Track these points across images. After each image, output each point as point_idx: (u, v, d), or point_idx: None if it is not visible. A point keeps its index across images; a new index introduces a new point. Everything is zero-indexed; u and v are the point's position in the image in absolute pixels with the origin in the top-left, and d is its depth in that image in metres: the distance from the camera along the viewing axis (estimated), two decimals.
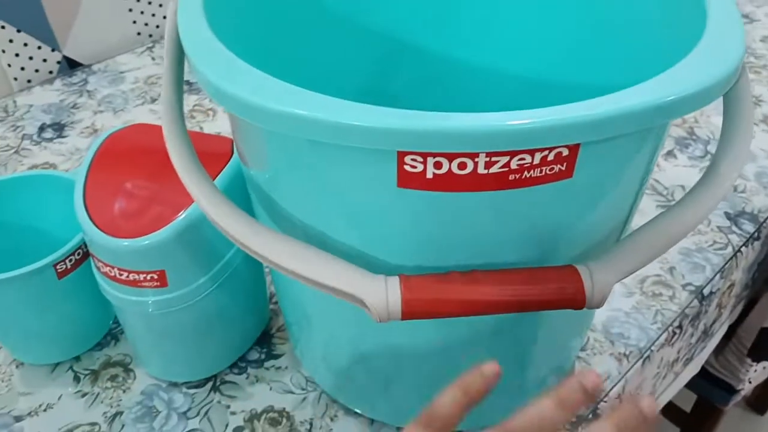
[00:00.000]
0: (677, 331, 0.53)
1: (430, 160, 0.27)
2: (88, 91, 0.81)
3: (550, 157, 0.27)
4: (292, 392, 0.48)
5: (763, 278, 0.72)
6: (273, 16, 0.43)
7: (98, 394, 0.48)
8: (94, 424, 0.46)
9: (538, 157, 0.27)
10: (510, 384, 0.42)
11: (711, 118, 0.73)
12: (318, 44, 0.47)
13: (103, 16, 0.85)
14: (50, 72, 0.84)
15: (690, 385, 0.75)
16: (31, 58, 0.81)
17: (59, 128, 0.74)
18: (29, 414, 0.47)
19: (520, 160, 0.27)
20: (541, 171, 0.28)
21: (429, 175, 0.27)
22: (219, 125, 0.75)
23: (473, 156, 0.27)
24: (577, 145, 0.27)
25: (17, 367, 0.50)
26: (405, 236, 0.31)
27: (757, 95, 0.76)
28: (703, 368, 0.72)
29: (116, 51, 0.87)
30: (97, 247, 0.41)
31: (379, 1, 0.47)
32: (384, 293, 0.30)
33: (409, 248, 0.32)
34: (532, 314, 0.36)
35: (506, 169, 0.27)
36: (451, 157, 0.27)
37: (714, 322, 0.64)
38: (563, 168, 0.28)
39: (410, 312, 0.30)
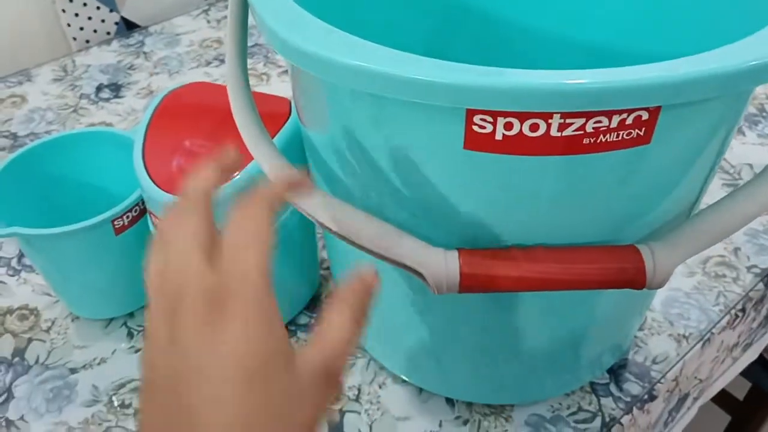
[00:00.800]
0: (740, 314, 0.51)
1: (501, 120, 0.25)
2: (144, 53, 0.81)
3: (629, 121, 0.26)
4: None
5: None
6: None
7: None
8: None
9: (616, 120, 0.25)
10: (565, 360, 0.41)
11: None
12: (377, 5, 0.46)
13: None
14: (108, 33, 0.84)
15: (745, 372, 0.72)
16: (89, 18, 0.82)
17: (116, 89, 0.75)
18: (83, 367, 0.48)
19: (596, 122, 0.25)
20: (618, 135, 0.26)
21: (498, 137, 0.26)
22: (273, 89, 0.74)
23: (547, 117, 0.25)
24: (658, 109, 0.26)
25: (73, 320, 0.51)
26: (468, 204, 0.30)
27: None
28: (760, 355, 0.69)
29: (172, 13, 0.88)
30: (155, 204, 0.41)
31: None
32: (443, 267, 0.30)
33: (471, 218, 0.31)
34: (591, 292, 0.35)
35: (581, 132, 0.26)
36: (523, 118, 0.25)
37: None
38: (641, 133, 0.26)
39: (468, 286, 0.30)
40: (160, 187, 0.40)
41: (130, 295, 0.50)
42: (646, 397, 0.45)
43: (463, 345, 0.40)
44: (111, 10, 0.83)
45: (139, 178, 0.41)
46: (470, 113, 0.26)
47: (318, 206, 0.33)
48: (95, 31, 0.83)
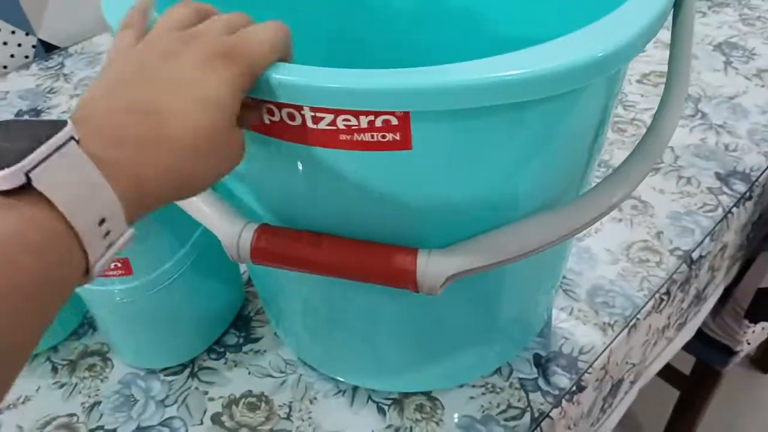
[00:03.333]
0: (665, 297, 0.52)
1: (263, 106, 0.27)
2: (64, 75, 0.79)
3: (378, 123, 0.27)
4: (271, 376, 0.47)
5: (759, 238, 0.70)
6: None
7: (76, 384, 0.48)
8: (72, 415, 0.46)
9: (364, 120, 0.27)
10: (475, 341, 0.42)
11: (702, 75, 0.71)
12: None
13: None
14: (26, 56, 0.82)
15: (688, 348, 0.74)
16: (5, 43, 0.80)
17: (35, 114, 0.73)
18: (7, 407, 0.46)
19: (345, 120, 0.27)
20: (372, 136, 0.27)
21: (266, 121, 0.28)
22: None
23: (298, 108, 0.27)
24: (406, 115, 0.26)
25: None
26: (266, 186, 0.33)
27: (750, 48, 0.74)
28: (700, 331, 0.70)
29: (92, 32, 0.86)
30: None
31: None
32: (236, 237, 0.33)
33: (271, 200, 0.34)
34: (483, 276, 0.35)
35: (333, 127, 0.27)
36: (280, 106, 0.27)
37: (707, 285, 0.63)
38: (397, 138, 0.27)
39: (257, 258, 0.33)
40: None
41: (49, 330, 0.49)
42: (574, 388, 0.46)
43: (382, 334, 0.41)
44: (27, 34, 0.81)
45: None
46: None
47: None
48: (12, 56, 0.81)
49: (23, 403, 0.47)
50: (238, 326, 0.51)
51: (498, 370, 0.47)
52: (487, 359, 0.45)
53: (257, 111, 0.28)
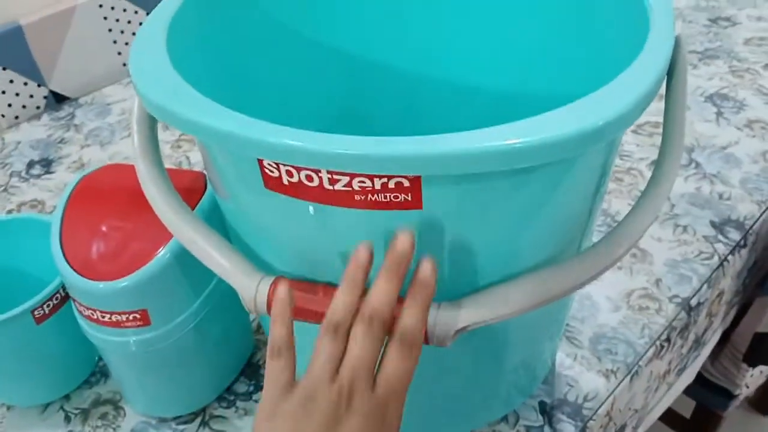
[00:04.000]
0: (665, 344, 0.53)
1: (283, 168, 0.29)
2: (75, 125, 0.81)
3: (391, 185, 0.28)
4: None
5: (755, 283, 0.72)
6: (241, 51, 0.43)
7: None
8: None
9: (378, 182, 0.28)
10: (482, 388, 0.43)
11: (695, 125, 0.73)
12: (290, 72, 0.48)
13: (88, 48, 0.85)
14: (37, 107, 0.84)
15: (688, 391, 0.75)
16: (17, 94, 0.82)
17: (47, 164, 0.75)
18: None
19: (361, 182, 0.28)
20: (385, 197, 0.29)
21: (285, 182, 0.30)
22: None
23: (317, 171, 0.29)
24: (417, 178, 0.28)
25: (8, 409, 0.50)
26: (283, 240, 0.34)
27: (740, 99, 0.77)
28: (699, 375, 0.71)
29: (102, 83, 0.88)
30: (76, 291, 0.41)
31: (342, 22, 0.48)
32: (254, 290, 0.34)
33: (287, 253, 0.35)
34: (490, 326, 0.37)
35: (350, 188, 0.29)
36: (299, 169, 0.29)
37: (705, 330, 0.64)
38: (408, 198, 0.29)
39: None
40: (79, 273, 0.40)
41: (60, 379, 0.50)
42: None
43: None
44: (39, 85, 0.83)
45: (57, 265, 0.41)
46: (260, 160, 0.30)
47: (172, 220, 0.37)
48: (24, 106, 0.83)
49: None
50: (248, 374, 0.52)
51: (504, 418, 0.48)
52: (493, 406, 0.46)
53: None
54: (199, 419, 0.49)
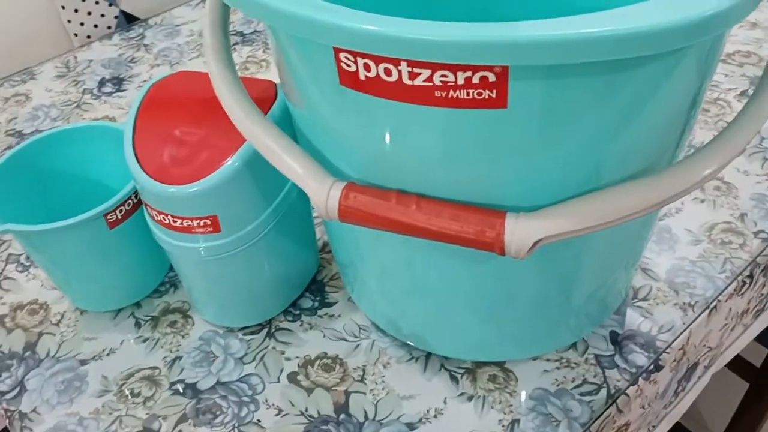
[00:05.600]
0: (747, 280, 0.51)
1: (360, 61, 0.28)
2: (145, 45, 0.81)
3: (475, 80, 0.26)
4: (345, 339, 0.48)
5: None
6: None
7: (158, 339, 0.49)
8: (154, 368, 0.48)
9: (461, 76, 0.26)
10: (551, 314, 0.42)
11: None
12: None
13: None
14: (108, 27, 0.85)
15: (760, 338, 0.72)
16: (89, 13, 0.82)
17: (118, 82, 0.76)
18: (93, 358, 0.49)
19: (443, 76, 0.27)
20: (468, 93, 0.27)
21: (362, 77, 0.28)
22: (273, 75, 0.74)
23: (396, 63, 0.27)
24: (505, 71, 0.26)
25: (82, 314, 0.52)
26: (359, 142, 0.33)
27: None
28: None
29: (172, 4, 0.88)
30: (148, 195, 0.41)
31: None
32: (325, 195, 0.33)
33: (362, 157, 0.34)
34: (565, 247, 0.36)
35: (430, 83, 0.27)
36: (377, 61, 0.27)
37: None
38: (492, 95, 0.27)
39: (345, 217, 0.33)
40: (152, 177, 0.40)
41: (133, 286, 0.51)
42: (652, 367, 0.45)
43: (460, 302, 0.41)
44: (110, 5, 0.83)
45: (130, 170, 0.41)
46: (336, 51, 0.28)
47: (242, 118, 0.36)
48: (96, 26, 0.83)
49: (108, 355, 0.49)
50: (313, 291, 0.52)
51: (573, 345, 0.46)
52: (563, 333, 0.45)
53: None
54: (264, 331, 0.49)
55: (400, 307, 0.45)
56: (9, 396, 0.47)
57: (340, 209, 0.34)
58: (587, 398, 0.43)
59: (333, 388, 0.45)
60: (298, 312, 0.50)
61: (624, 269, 0.44)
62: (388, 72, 0.28)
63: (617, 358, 0.45)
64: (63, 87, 0.76)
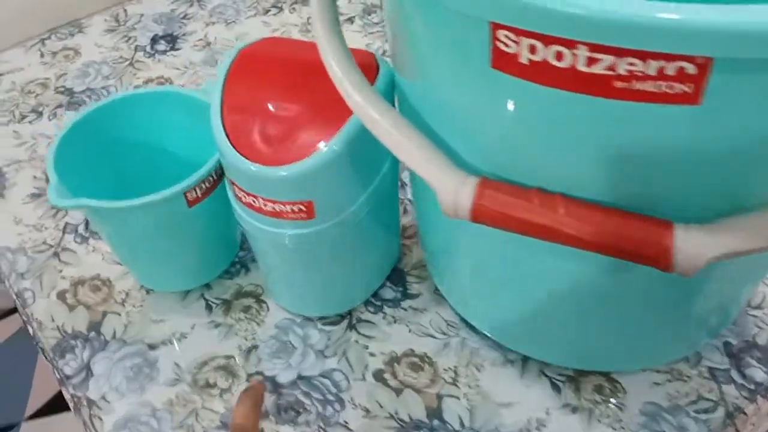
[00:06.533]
0: None
1: (525, 41, 0.23)
2: (198, 1, 0.76)
3: (669, 71, 0.22)
4: (432, 336, 0.45)
5: None
6: None
7: (232, 325, 0.46)
8: (229, 356, 0.44)
9: (653, 66, 0.22)
10: (672, 326, 0.38)
11: None
12: None
13: None
14: None
15: None
16: None
17: (171, 40, 0.71)
18: (162, 342, 0.45)
19: (629, 64, 0.22)
20: (656, 86, 0.23)
21: (523, 60, 0.24)
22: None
23: (571, 45, 0.22)
24: (706, 63, 0.21)
25: (148, 292, 0.48)
26: (499, 133, 0.29)
27: None
28: None
29: None
30: (238, 175, 0.37)
31: None
32: (455, 190, 0.29)
33: (497, 149, 0.30)
34: None
35: (611, 72, 0.23)
36: (547, 41, 0.23)
37: None
38: (688, 90, 0.23)
39: (477, 217, 0.29)
40: (245, 156, 0.36)
41: (205, 266, 0.48)
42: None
43: (562, 303, 0.37)
44: None
45: (218, 145, 0.37)
46: (495, 27, 0.24)
47: (358, 98, 0.32)
48: None
49: (179, 340, 0.46)
50: (394, 280, 0.48)
51: (685, 357, 0.43)
52: (679, 345, 0.41)
53: None
54: (345, 322, 0.46)
55: (499, 305, 0.41)
56: (75, 380, 0.44)
57: (473, 209, 0.30)
58: (703, 416, 0.40)
59: (423, 390, 0.42)
60: (379, 303, 0.47)
61: (755, 281, 0.40)
62: (559, 56, 0.23)
63: (734, 373, 0.42)
64: (113, 43, 0.71)
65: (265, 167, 0.36)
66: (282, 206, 0.38)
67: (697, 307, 0.38)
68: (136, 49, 0.70)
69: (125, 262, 0.47)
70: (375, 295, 0.47)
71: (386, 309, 0.46)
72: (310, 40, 0.68)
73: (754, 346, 0.43)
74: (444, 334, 0.45)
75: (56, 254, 0.51)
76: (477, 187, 0.30)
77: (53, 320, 0.47)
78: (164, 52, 0.69)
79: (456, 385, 0.42)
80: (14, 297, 0.49)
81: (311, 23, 0.34)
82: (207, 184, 0.42)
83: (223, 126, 0.38)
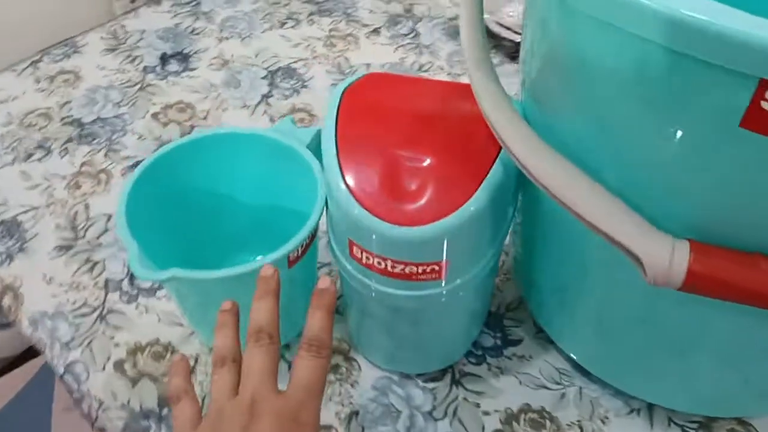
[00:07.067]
0: None
1: None
2: (204, 13, 0.70)
3: None
4: (546, 387, 0.41)
5: None
6: None
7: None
8: (329, 427, 0.40)
9: None
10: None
11: None
12: None
13: None
14: None
15: None
16: None
17: (183, 59, 0.65)
18: None
19: None
20: None
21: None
22: (364, 53, 0.65)
23: None
24: None
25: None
26: (721, 191, 0.26)
27: None
28: None
29: None
30: (367, 236, 0.33)
31: None
32: (667, 258, 0.26)
33: (718, 210, 0.26)
34: None
35: None
36: None
37: None
38: None
39: (691, 286, 0.26)
40: (377, 215, 0.32)
41: (286, 325, 0.42)
42: None
43: (700, 350, 0.35)
44: None
45: (339, 203, 0.33)
46: (764, 85, 0.21)
47: (534, 156, 0.29)
48: None
49: None
50: (490, 325, 0.45)
51: None
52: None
53: None
54: (448, 377, 0.42)
55: (623, 351, 0.38)
56: None
57: (688, 275, 0.26)
58: None
59: None
60: (480, 353, 0.43)
61: None
62: None
63: None
64: (117, 64, 0.64)
65: (403, 228, 0.32)
66: (414, 267, 0.33)
67: None
68: (144, 70, 0.63)
69: (195, 323, 0.42)
70: (474, 343, 0.44)
71: (488, 359, 0.43)
72: (338, 53, 0.63)
73: None
74: (558, 384, 0.42)
75: (102, 317, 0.45)
76: (691, 252, 0.26)
77: (115, 398, 0.41)
78: (178, 73, 0.63)
79: None
80: (61, 371, 0.43)
81: (467, 70, 0.30)
82: (307, 241, 0.37)
83: (343, 179, 0.33)
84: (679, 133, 0.25)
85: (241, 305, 0.38)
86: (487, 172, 0.32)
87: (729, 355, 0.35)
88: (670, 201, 0.27)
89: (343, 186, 0.33)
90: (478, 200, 0.32)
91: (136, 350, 0.43)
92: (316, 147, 0.40)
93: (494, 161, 0.33)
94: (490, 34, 0.61)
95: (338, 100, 0.36)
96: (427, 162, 0.33)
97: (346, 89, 0.37)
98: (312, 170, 0.38)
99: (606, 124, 0.27)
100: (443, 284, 0.35)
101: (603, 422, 0.40)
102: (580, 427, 0.40)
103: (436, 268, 0.33)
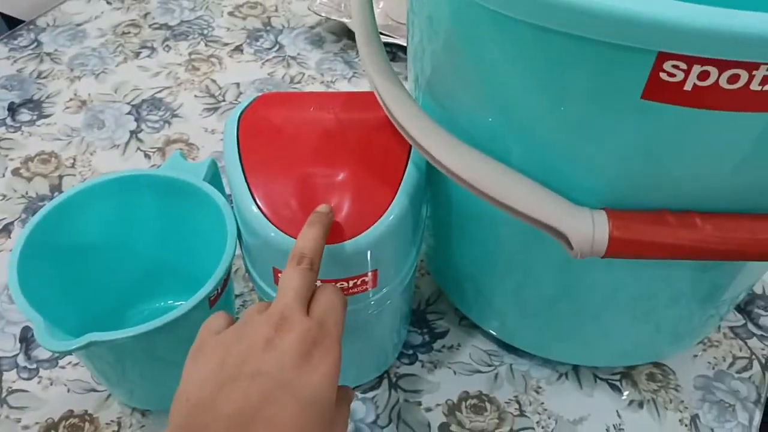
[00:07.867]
0: None
1: (696, 69, 0.22)
2: (47, 54, 0.65)
3: None
4: (479, 371, 0.43)
5: None
6: None
7: None
8: None
9: None
10: (716, 305, 0.40)
11: None
12: None
13: None
14: None
15: None
16: None
17: (35, 106, 0.60)
18: None
19: None
20: None
21: (687, 87, 0.23)
22: (230, 73, 0.63)
23: (752, 67, 0.22)
24: None
25: (144, 415, 0.40)
26: (626, 161, 0.27)
27: None
28: None
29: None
30: (278, 255, 0.32)
31: None
32: (590, 228, 0.27)
33: (625, 175, 0.28)
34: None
35: None
36: (723, 67, 0.22)
37: None
38: None
39: (615, 252, 0.28)
40: (292, 235, 0.31)
41: None
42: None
43: (613, 309, 0.37)
44: None
45: (258, 232, 0.32)
46: (661, 58, 0.22)
47: (451, 154, 0.29)
48: None
49: None
50: (414, 323, 0.45)
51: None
52: (712, 321, 0.43)
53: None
54: (385, 382, 0.42)
55: (543, 322, 0.40)
56: None
57: (610, 243, 0.28)
58: (746, 374, 0.43)
59: None
60: (411, 352, 0.44)
61: None
62: (734, 79, 0.23)
63: (750, 326, 0.45)
64: None
65: (328, 246, 0.31)
66: (344, 283, 0.33)
67: (738, 288, 0.39)
68: None
69: (115, 384, 0.39)
70: (404, 344, 0.44)
71: (420, 356, 0.43)
72: (201, 74, 0.61)
73: (758, 297, 0.47)
74: (489, 365, 0.43)
75: (2, 401, 0.41)
76: (610, 221, 0.28)
77: None
78: (32, 122, 0.58)
79: (525, 416, 0.41)
80: None
81: (369, 78, 0.30)
82: (225, 278, 0.35)
83: (257, 204, 0.32)
84: (585, 112, 0.26)
85: (162, 356, 0.36)
86: (402, 176, 0.33)
87: (642, 309, 0.37)
88: (581, 176, 0.29)
89: (257, 211, 0.32)
90: (398, 204, 0.32)
91: (49, 429, 0.40)
92: (211, 178, 0.39)
93: (407, 164, 0.33)
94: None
95: (236, 125, 0.35)
96: (340, 176, 0.33)
97: (242, 113, 0.36)
98: (215, 203, 0.37)
99: (509, 111, 0.28)
100: (372, 294, 0.35)
101: (537, 392, 0.42)
102: (518, 402, 0.41)
103: (366, 279, 0.33)
